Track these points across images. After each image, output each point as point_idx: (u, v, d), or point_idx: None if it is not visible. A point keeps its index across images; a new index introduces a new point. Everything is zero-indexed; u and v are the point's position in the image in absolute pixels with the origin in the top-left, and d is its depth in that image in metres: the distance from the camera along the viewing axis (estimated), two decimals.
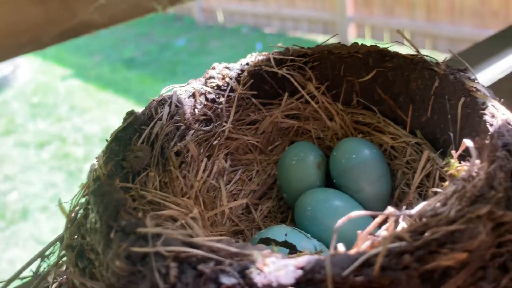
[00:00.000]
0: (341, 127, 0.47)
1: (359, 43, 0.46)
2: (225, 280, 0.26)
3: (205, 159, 0.45)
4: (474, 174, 0.31)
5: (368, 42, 0.46)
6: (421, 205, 0.30)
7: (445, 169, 0.37)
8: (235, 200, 0.46)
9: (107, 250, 0.30)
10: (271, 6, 3.07)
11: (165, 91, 0.46)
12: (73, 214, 0.38)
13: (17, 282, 0.39)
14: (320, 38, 2.91)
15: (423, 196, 0.40)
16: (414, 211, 0.30)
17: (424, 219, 0.28)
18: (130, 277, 0.28)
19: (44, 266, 0.40)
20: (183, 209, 0.34)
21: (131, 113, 0.42)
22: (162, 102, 0.44)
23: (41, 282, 0.38)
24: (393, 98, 0.45)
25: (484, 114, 0.35)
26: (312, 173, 0.45)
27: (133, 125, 0.40)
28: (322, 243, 0.39)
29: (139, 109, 0.43)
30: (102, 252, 0.30)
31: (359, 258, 0.26)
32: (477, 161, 0.33)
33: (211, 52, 3.08)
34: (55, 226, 1.87)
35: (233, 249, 0.28)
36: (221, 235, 0.42)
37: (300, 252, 0.37)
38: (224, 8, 3.35)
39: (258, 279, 0.26)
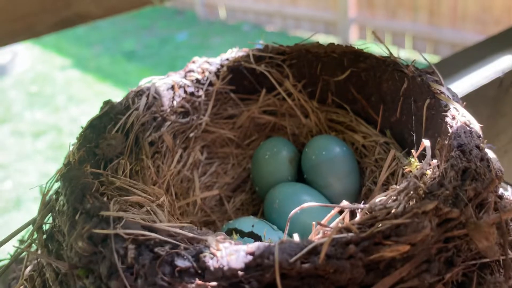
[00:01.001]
0: (316, 125, 0.49)
1: (335, 43, 0.47)
2: (180, 263, 0.28)
3: (181, 151, 0.46)
4: (428, 172, 0.32)
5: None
6: (374, 199, 0.32)
7: (406, 168, 0.38)
8: (208, 191, 0.47)
9: (71, 231, 0.31)
10: (273, 4, 3.07)
11: (144, 82, 0.47)
12: (46, 198, 0.39)
13: None
14: (322, 38, 2.92)
15: None
16: (366, 204, 0.32)
17: (373, 212, 0.29)
18: (92, 257, 0.29)
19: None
20: (150, 196, 0.36)
21: (107, 102, 0.43)
22: (140, 93, 0.45)
23: (12, 263, 0.39)
24: (366, 98, 0.46)
25: (446, 116, 0.36)
26: (284, 168, 0.46)
27: (109, 113, 0.42)
28: (288, 236, 0.40)
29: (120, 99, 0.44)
30: (67, 233, 0.32)
31: (307, 246, 0.27)
32: (434, 160, 0.34)
33: (211, 47, 3.09)
34: None
35: (190, 234, 0.29)
36: (190, 224, 0.43)
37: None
38: (226, 4, 3.36)
39: (211, 263, 0.27)
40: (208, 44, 3.13)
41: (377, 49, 0.47)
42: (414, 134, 0.40)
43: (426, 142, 0.34)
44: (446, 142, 0.34)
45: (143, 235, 0.29)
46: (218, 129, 0.49)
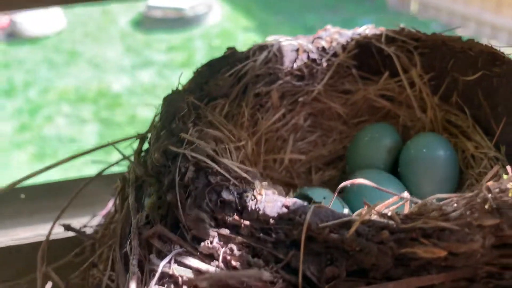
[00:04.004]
0: (431, 122, 0.46)
1: (476, 40, 0.43)
2: (225, 195, 0.30)
3: (284, 110, 0.47)
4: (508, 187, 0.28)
5: None
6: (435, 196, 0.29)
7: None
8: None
9: (155, 143, 0.35)
10: (472, 7, 2.83)
11: (271, 38, 0.49)
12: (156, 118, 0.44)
13: None
14: None
15: None
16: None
17: (424, 209, 0.27)
18: (162, 168, 0.33)
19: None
20: (232, 137, 0.38)
21: (231, 48, 0.46)
22: (263, 48, 0.47)
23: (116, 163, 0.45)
24: (492, 106, 0.42)
25: None
26: (380, 155, 0.44)
27: (228, 58, 0.45)
28: None
29: None
30: (152, 144, 0.36)
31: (341, 218, 0.27)
32: None
33: None
34: None
35: (243, 175, 0.31)
36: (271, 179, 0.44)
37: None
38: None
39: (250, 203, 0.29)
40: None
41: None
42: None
43: None
44: None
45: (205, 162, 0.31)
46: (329, 101, 0.49)
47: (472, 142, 0.42)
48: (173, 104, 0.37)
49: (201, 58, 2.95)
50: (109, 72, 2.97)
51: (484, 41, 0.43)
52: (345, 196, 0.43)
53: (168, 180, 0.32)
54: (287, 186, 0.46)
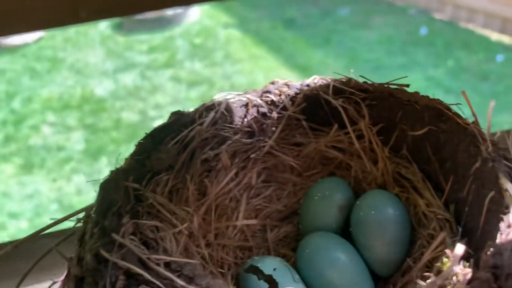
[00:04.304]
0: (382, 175, 0.45)
1: (420, 94, 0.42)
2: None
3: (237, 169, 0.47)
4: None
5: None
6: None
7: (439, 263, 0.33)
8: (256, 216, 0.47)
9: (89, 241, 0.34)
10: None
11: (218, 96, 0.48)
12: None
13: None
14: (495, 36, 2.61)
15: (426, 279, 0.37)
16: None
17: None
18: (93, 272, 0.32)
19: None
20: (175, 221, 0.37)
21: (176, 113, 0.45)
22: (211, 108, 0.46)
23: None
24: (440, 162, 0.41)
25: (501, 220, 0.31)
26: (330, 214, 0.44)
27: (172, 125, 0.44)
28: None
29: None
30: (87, 241, 0.35)
31: None
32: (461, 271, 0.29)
33: (371, 27, 2.98)
34: None
35: (179, 282, 0.30)
36: (224, 246, 0.44)
37: None
38: None
39: None
40: (369, 23, 3.01)
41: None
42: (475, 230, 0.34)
43: (459, 249, 0.29)
44: (486, 254, 0.29)
45: (134, 270, 0.30)
46: (282, 154, 0.48)
47: (424, 199, 0.42)
48: (107, 195, 0.36)
49: (184, 57, 2.93)
50: (91, 77, 2.95)
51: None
52: (297, 263, 0.42)
53: (101, 287, 0.31)
54: (242, 250, 0.45)
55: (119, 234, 0.33)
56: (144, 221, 0.35)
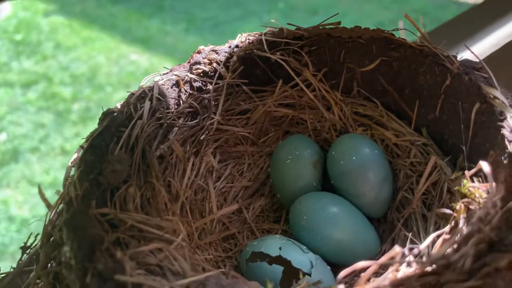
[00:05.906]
0: (340, 119, 0.43)
1: (362, 27, 0.41)
2: None
3: (192, 157, 0.41)
4: (491, 209, 0.28)
5: None
6: (429, 240, 0.28)
7: (456, 187, 0.33)
8: (225, 199, 0.43)
9: None
10: None
11: (145, 82, 0.41)
12: (48, 228, 0.35)
13: None
14: None
15: (428, 206, 0.37)
16: (423, 249, 0.28)
17: (435, 268, 0.25)
18: None
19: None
20: (167, 235, 0.31)
21: (107, 113, 0.38)
22: (142, 96, 0.39)
23: None
24: (398, 90, 0.41)
25: (502, 126, 0.31)
26: (307, 173, 0.41)
27: (110, 127, 0.36)
28: (319, 255, 0.37)
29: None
30: None
31: None
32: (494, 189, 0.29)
33: None
34: (46, 167, 1.85)
35: None
36: (210, 244, 0.39)
37: (295, 269, 0.35)
38: None
39: None
40: None
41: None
42: (463, 147, 0.35)
43: (484, 166, 0.29)
44: (505, 162, 0.30)
45: None
46: (231, 127, 0.44)
47: (390, 130, 0.41)
48: (83, 233, 0.28)
49: (8, 59, 2.58)
50: None
51: None
52: (295, 234, 0.39)
53: None
54: (227, 241, 0.41)
55: (126, 273, 0.26)
56: (140, 249, 0.29)
